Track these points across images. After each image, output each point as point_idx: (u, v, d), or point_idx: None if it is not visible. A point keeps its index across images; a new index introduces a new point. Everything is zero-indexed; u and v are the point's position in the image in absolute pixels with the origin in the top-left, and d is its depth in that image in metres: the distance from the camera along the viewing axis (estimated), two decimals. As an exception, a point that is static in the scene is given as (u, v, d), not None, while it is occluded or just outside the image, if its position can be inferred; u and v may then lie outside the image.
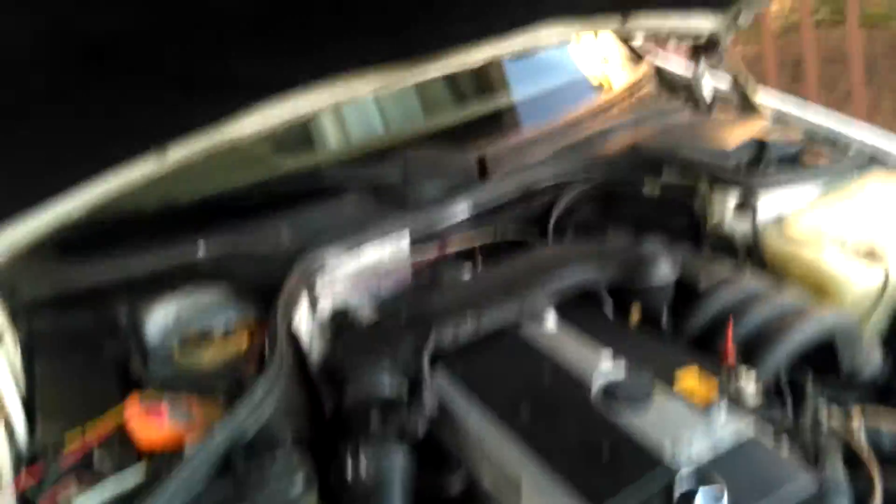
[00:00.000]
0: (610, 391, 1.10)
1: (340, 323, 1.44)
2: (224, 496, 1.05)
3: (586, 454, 1.02)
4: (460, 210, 1.66)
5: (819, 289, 1.42)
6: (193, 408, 1.19)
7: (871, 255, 1.39)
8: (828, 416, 1.08)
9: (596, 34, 1.95)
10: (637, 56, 2.24)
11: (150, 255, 1.49)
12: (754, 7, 1.88)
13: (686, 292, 1.36)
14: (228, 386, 1.23)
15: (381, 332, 1.35)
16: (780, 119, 1.91)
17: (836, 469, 0.98)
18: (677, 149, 1.75)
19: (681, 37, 1.95)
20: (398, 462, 1.11)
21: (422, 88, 1.99)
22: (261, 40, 1.24)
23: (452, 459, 1.18)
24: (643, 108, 2.01)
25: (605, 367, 1.15)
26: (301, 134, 1.88)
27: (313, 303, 1.46)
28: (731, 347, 1.21)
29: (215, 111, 1.36)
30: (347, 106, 1.89)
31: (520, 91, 2.15)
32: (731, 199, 1.60)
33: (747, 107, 1.96)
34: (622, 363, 1.16)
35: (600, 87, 2.16)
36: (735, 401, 1.06)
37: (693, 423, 1.02)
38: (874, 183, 1.62)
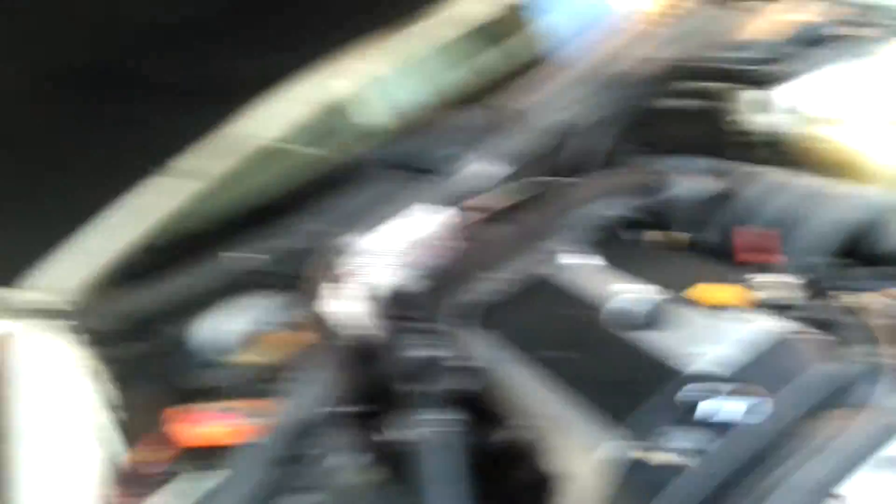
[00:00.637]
0: (624, 313, 1.15)
1: (389, 296, 1.53)
2: (289, 482, 1.17)
3: (608, 379, 1.08)
4: (489, 168, 1.71)
5: (856, 172, 1.40)
6: (251, 409, 1.31)
7: (897, 124, 1.36)
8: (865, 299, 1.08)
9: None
10: None
11: (197, 272, 1.62)
12: None
13: (717, 200, 1.38)
14: (281, 382, 1.34)
15: (423, 299, 1.44)
16: None
17: (867, 350, 1.00)
18: (694, 58, 1.75)
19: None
20: (456, 424, 1.20)
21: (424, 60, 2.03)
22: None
23: (495, 415, 1.24)
24: (677, 21, 2.02)
25: (621, 291, 1.19)
26: (321, 125, 1.96)
27: (350, 284, 1.55)
28: (748, 247, 1.24)
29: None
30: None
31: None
32: (760, 96, 1.57)
33: None
34: (644, 286, 1.19)
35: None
36: (771, 301, 1.10)
37: (713, 327, 1.06)
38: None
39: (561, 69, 1.93)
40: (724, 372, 0.98)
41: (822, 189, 1.30)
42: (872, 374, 0.98)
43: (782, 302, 1.10)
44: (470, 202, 1.69)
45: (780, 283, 1.13)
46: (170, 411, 1.35)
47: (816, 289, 1.17)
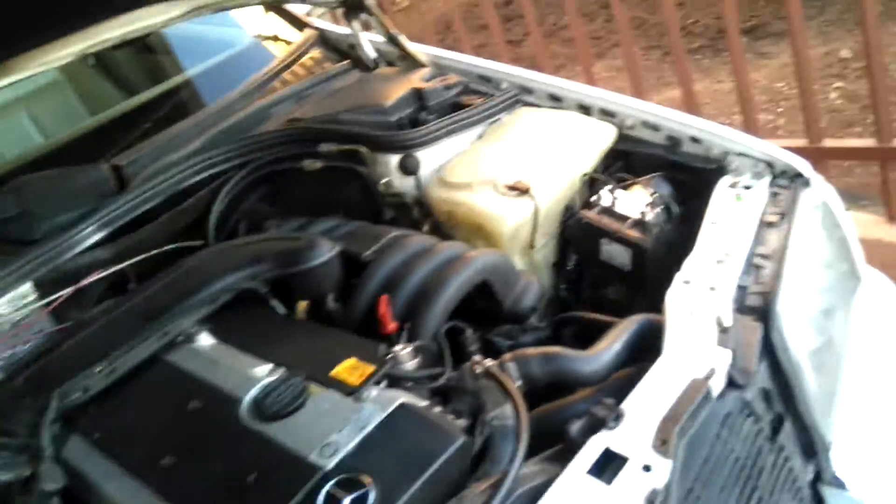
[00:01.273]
0: (259, 403, 1.12)
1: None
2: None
3: (231, 483, 1.02)
4: (91, 233, 1.56)
5: (479, 230, 1.59)
6: None
7: (518, 188, 1.57)
8: (482, 360, 1.19)
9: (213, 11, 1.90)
10: (299, 23, 2.32)
11: None
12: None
13: (356, 266, 1.45)
14: None
15: (5, 403, 1.25)
16: (440, 66, 2.05)
17: (499, 412, 1.10)
18: (331, 120, 1.80)
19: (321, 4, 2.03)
20: None
21: (38, 98, 1.89)
22: None
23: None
24: (308, 76, 2.07)
25: (257, 379, 1.17)
26: None
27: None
28: (385, 315, 1.30)
29: None
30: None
31: (164, 85, 2.10)
32: (393, 159, 1.71)
33: (409, 60, 2.09)
34: (277, 370, 1.18)
35: (260, 62, 2.16)
36: (393, 372, 1.14)
37: (336, 411, 1.07)
38: (520, 120, 1.82)
39: (192, 123, 1.84)
40: (347, 457, 1.00)
41: (452, 253, 1.43)
42: (504, 437, 1.07)
43: (406, 373, 1.17)
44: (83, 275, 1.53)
45: (411, 353, 1.20)
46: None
47: (441, 356, 1.27)
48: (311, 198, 1.77)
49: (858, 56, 3.69)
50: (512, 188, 1.58)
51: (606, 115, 1.79)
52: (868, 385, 1.49)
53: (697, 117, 1.67)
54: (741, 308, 1.25)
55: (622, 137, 1.75)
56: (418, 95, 1.86)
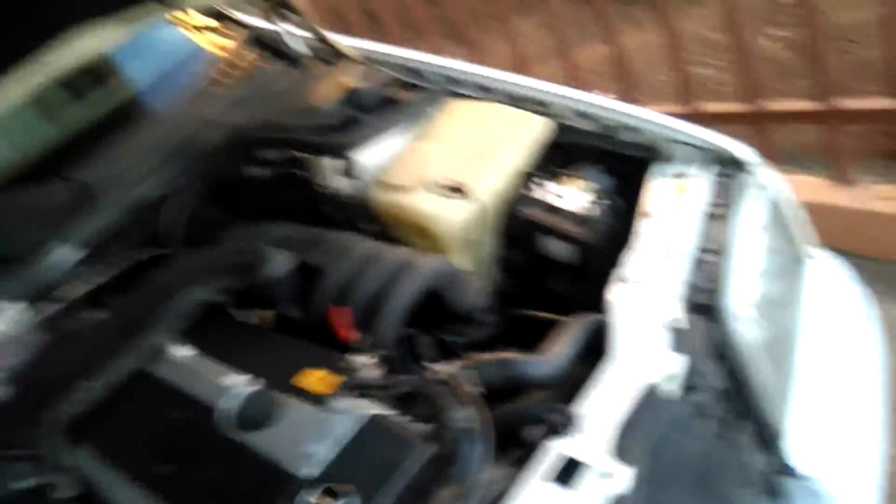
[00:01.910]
0: (236, 414, 1.26)
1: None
2: None
3: (223, 492, 1.18)
4: (68, 251, 1.72)
5: (423, 232, 1.70)
6: None
7: (456, 188, 1.68)
8: (441, 367, 1.32)
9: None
10: (236, 23, 2.43)
11: None
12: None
13: (310, 273, 1.57)
14: None
15: (5, 417, 1.42)
16: (369, 60, 2.16)
17: (460, 416, 1.21)
18: (271, 126, 1.93)
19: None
20: None
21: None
22: None
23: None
24: (244, 78, 2.21)
25: (236, 389, 1.30)
26: None
27: None
28: (340, 327, 1.43)
29: None
30: None
31: (114, 96, 2.24)
32: (333, 163, 1.82)
33: (338, 56, 2.20)
34: (247, 379, 1.31)
35: (202, 64, 2.30)
36: (356, 382, 1.27)
37: (312, 422, 1.20)
38: (451, 115, 1.92)
39: (146, 135, 2.00)
40: (328, 469, 1.14)
41: (402, 260, 1.54)
42: (467, 442, 1.18)
43: (372, 382, 1.29)
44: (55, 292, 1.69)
45: (370, 362, 1.32)
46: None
47: (403, 363, 1.41)
48: (260, 204, 1.91)
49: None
50: (451, 189, 1.69)
51: (539, 105, 1.89)
52: (822, 368, 1.64)
53: (635, 105, 1.78)
54: (690, 307, 1.37)
55: (557, 128, 1.85)
56: (352, 95, 1.96)
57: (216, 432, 1.25)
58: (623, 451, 1.13)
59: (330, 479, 1.11)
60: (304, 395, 1.26)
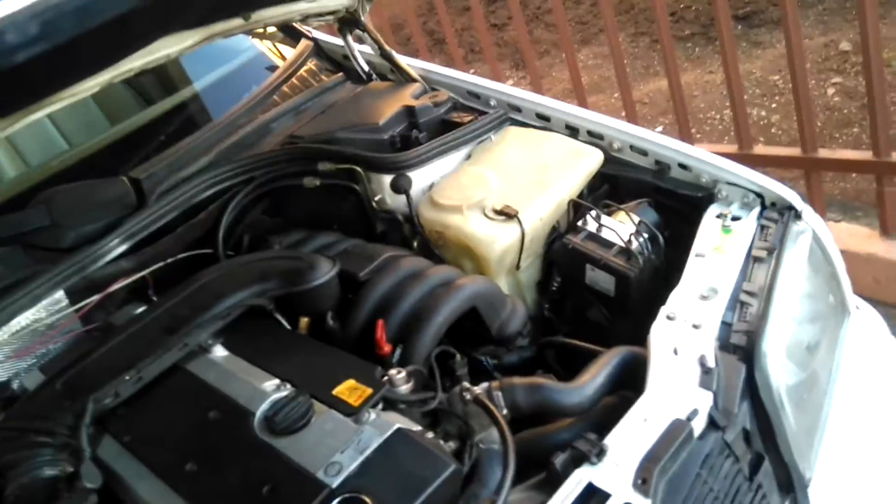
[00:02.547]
0: (270, 418, 1.27)
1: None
2: None
3: (249, 493, 1.18)
4: (117, 245, 1.75)
5: (468, 252, 1.72)
6: None
7: (506, 213, 1.69)
8: (470, 386, 1.33)
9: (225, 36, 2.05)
10: (295, 33, 2.46)
11: None
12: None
13: (353, 284, 1.59)
14: None
15: (36, 407, 1.40)
16: (430, 81, 2.20)
17: (486, 436, 1.25)
18: (329, 138, 1.97)
19: (318, 17, 2.15)
20: None
21: (65, 116, 2.06)
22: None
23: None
24: (304, 88, 2.24)
25: (267, 394, 1.32)
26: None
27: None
28: (381, 339, 1.44)
29: None
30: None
31: (175, 97, 2.30)
32: (386, 179, 1.85)
33: (400, 74, 2.24)
34: (285, 385, 1.34)
35: (261, 72, 2.35)
36: (388, 395, 1.29)
37: (338, 431, 1.21)
38: (508, 140, 1.94)
39: (201, 138, 2.02)
40: (350, 477, 1.14)
41: (442, 277, 1.57)
42: (491, 462, 1.21)
43: (401, 396, 1.31)
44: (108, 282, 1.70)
45: (405, 377, 1.34)
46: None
47: (434, 379, 1.41)
48: (309, 212, 1.95)
49: (859, 49, 3.80)
50: (500, 212, 1.70)
51: (594, 136, 1.90)
52: (854, 420, 1.62)
53: (689, 143, 1.78)
54: (725, 346, 1.37)
55: (609, 160, 1.86)
56: (410, 113, 2.01)
57: (246, 434, 1.27)
58: (644, 484, 1.12)
59: (350, 489, 1.12)
60: (334, 403, 1.27)
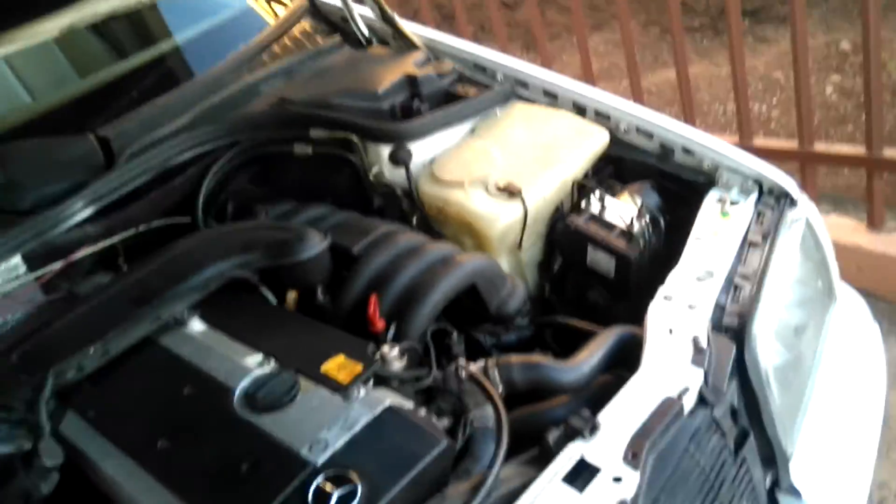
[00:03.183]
0: (252, 395, 1.20)
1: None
2: None
3: (226, 471, 1.10)
4: (81, 208, 1.60)
5: (469, 229, 1.70)
6: None
7: (509, 190, 1.67)
8: (466, 364, 1.32)
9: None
10: None
11: None
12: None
13: (346, 259, 1.53)
14: None
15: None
16: (434, 51, 2.10)
17: (480, 413, 1.23)
18: (323, 103, 1.85)
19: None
20: None
21: (28, 67, 1.86)
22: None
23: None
24: (297, 50, 2.10)
25: (248, 369, 1.25)
26: None
27: None
28: (374, 315, 1.39)
29: None
30: None
31: (153, 49, 2.10)
32: (385, 150, 1.78)
33: (402, 41, 2.13)
34: (268, 361, 1.27)
35: (251, 28, 2.16)
36: (380, 372, 1.24)
37: (324, 408, 1.16)
38: (514, 116, 1.91)
39: (180, 95, 1.86)
40: (337, 455, 1.08)
41: (441, 254, 1.53)
42: (484, 438, 1.19)
43: (393, 373, 1.26)
44: (73, 249, 1.58)
45: (398, 354, 1.30)
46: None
47: (428, 357, 1.37)
48: (299, 182, 1.84)
49: (858, 50, 3.81)
50: (503, 189, 1.68)
51: (601, 116, 1.88)
52: (835, 400, 1.64)
53: (692, 127, 1.77)
54: (717, 326, 1.38)
55: (615, 141, 1.84)
56: (411, 82, 1.92)
57: (224, 411, 1.20)
58: (634, 458, 1.13)
59: (337, 466, 1.07)
60: (321, 380, 1.21)
